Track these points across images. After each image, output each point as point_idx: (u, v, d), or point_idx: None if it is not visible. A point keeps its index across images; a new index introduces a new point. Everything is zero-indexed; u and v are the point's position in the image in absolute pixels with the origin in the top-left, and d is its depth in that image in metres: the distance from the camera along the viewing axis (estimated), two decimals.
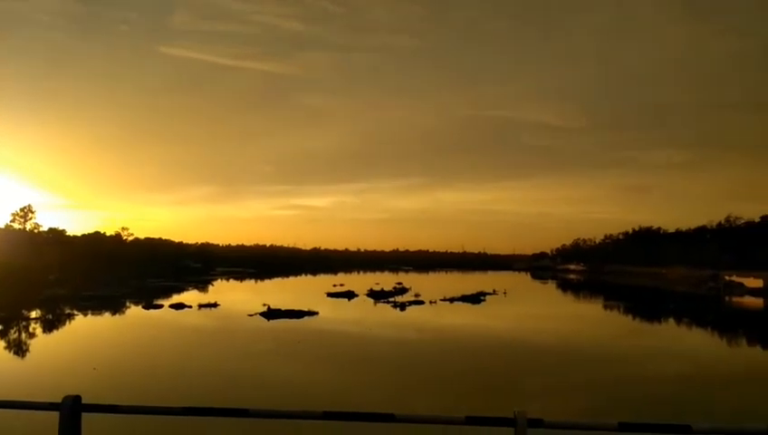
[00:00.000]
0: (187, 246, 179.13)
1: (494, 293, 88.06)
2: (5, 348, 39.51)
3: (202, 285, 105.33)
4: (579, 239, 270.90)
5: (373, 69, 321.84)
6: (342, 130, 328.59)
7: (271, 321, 52.47)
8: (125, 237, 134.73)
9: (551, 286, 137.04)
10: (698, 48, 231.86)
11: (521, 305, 79.83)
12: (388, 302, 71.70)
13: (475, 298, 77.05)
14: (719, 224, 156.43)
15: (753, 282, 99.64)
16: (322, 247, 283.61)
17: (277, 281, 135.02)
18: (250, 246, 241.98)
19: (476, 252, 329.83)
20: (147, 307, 63.26)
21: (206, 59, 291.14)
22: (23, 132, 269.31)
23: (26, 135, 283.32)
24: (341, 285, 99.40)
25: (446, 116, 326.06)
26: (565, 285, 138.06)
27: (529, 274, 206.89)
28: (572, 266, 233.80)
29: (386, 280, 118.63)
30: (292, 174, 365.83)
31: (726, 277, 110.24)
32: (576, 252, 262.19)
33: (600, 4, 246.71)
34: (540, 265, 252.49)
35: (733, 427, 5.64)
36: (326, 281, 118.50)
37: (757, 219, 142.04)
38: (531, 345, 41.77)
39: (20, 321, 52.51)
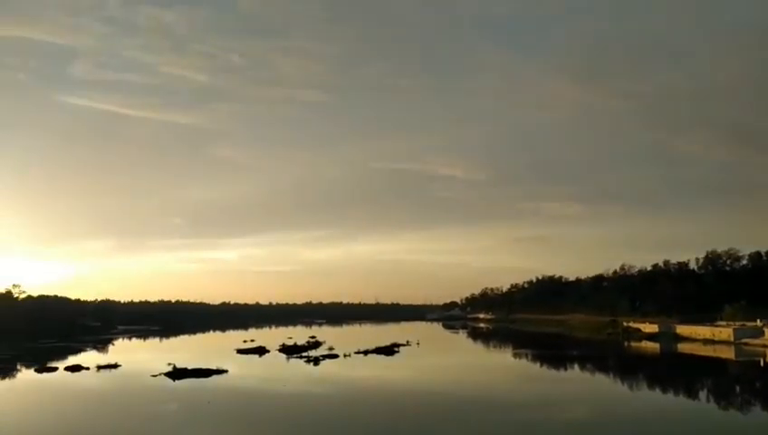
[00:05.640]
0: (85, 303, 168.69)
1: (408, 344, 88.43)
2: None
3: (101, 345, 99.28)
4: (487, 289, 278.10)
5: (281, 122, 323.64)
6: (250, 182, 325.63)
7: (177, 381, 50.10)
8: (16, 296, 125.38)
9: (462, 336, 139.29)
10: (586, 108, 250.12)
11: (434, 356, 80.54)
12: (302, 357, 70.36)
13: (389, 350, 77.10)
14: (615, 272, 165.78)
15: (650, 327, 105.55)
16: (232, 302, 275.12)
17: (184, 338, 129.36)
18: (154, 303, 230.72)
19: (389, 303, 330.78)
20: (40, 370, 58.79)
21: (108, 109, 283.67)
22: None
23: None
24: (252, 340, 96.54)
25: (355, 168, 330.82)
26: (476, 334, 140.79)
27: (441, 324, 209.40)
28: (482, 315, 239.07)
29: (299, 334, 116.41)
30: (200, 227, 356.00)
31: (624, 323, 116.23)
32: (485, 301, 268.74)
33: (491, 66, 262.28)
34: (451, 315, 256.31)
35: None
36: (236, 337, 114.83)
37: (649, 268, 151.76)
38: (446, 396, 42.09)
39: None
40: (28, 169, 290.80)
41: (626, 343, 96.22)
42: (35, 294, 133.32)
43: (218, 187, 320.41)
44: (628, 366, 67.49)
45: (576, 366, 65.09)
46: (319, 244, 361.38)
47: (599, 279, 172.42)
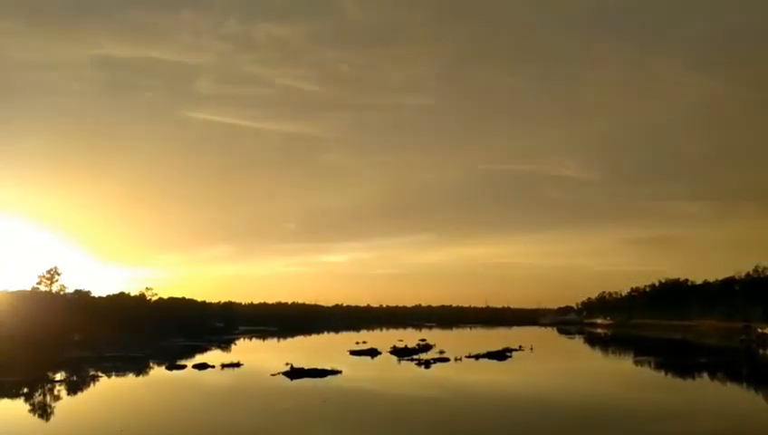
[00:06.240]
0: (210, 305, 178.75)
1: (521, 349, 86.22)
2: (31, 411, 39.48)
3: (225, 345, 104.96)
4: (604, 292, 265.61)
5: (389, 127, 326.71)
6: (361, 187, 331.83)
7: (294, 380, 51.85)
8: (149, 298, 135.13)
9: (578, 341, 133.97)
10: (714, 99, 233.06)
11: (549, 362, 77.96)
12: (413, 359, 70.57)
13: (501, 355, 75.52)
14: (747, 275, 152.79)
15: None
16: (344, 304, 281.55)
17: (299, 339, 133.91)
18: (272, 305, 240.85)
19: (500, 307, 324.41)
20: (170, 368, 63.01)
21: (229, 122, 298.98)
22: (54, 191, 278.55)
23: (57, 194, 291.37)
24: (364, 342, 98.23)
25: (465, 171, 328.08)
26: (593, 340, 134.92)
27: (555, 328, 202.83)
28: (599, 320, 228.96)
29: (409, 337, 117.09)
30: (313, 231, 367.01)
31: (759, 329, 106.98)
32: (602, 305, 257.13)
33: (612, 58, 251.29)
34: (566, 320, 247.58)
35: None
36: (349, 338, 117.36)
37: None
38: (563, 404, 40.54)
39: (44, 383, 52.56)
40: (157, 181, 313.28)
41: (761, 351, 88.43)
42: (165, 296, 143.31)
43: (330, 192, 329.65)
44: (765, 376, 61.80)
45: (705, 375, 60.48)
46: (428, 247, 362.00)
47: (729, 282, 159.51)
